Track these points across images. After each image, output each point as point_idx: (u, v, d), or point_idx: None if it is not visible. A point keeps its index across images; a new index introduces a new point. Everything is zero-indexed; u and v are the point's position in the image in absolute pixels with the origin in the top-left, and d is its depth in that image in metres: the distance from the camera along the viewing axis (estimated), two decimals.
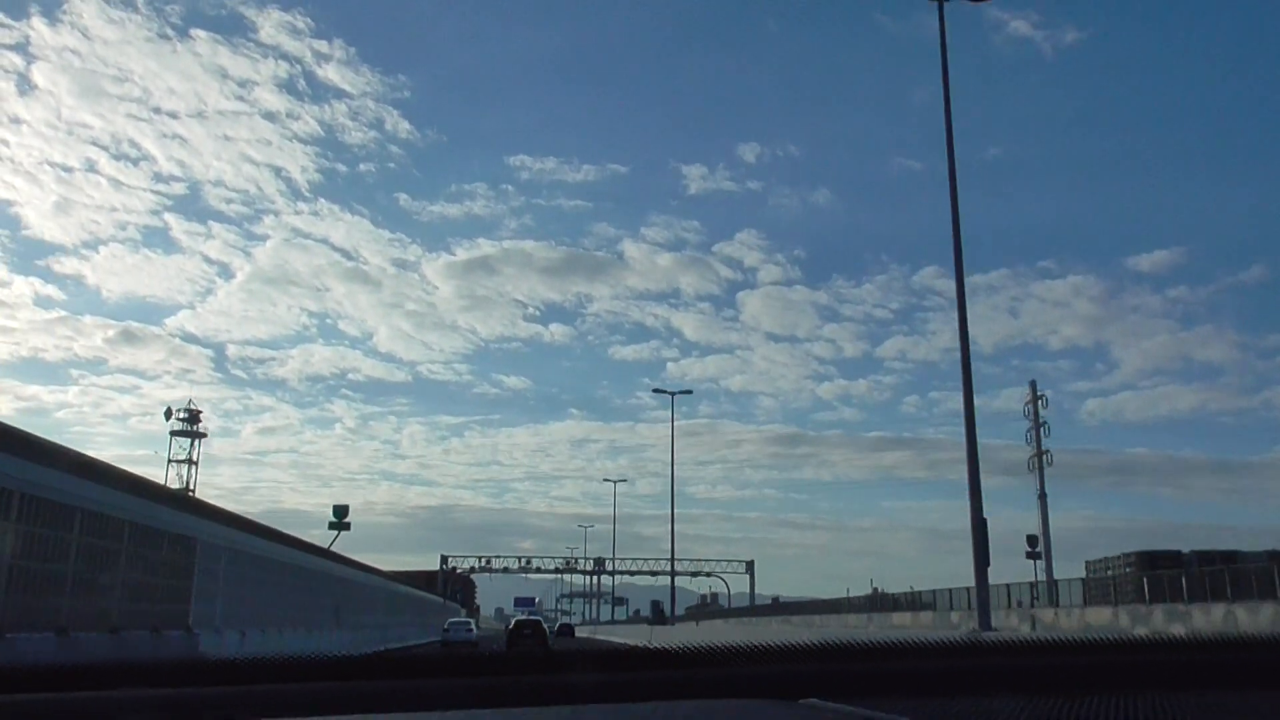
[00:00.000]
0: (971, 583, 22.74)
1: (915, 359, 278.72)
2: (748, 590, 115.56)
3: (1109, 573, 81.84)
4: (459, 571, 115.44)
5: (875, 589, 78.09)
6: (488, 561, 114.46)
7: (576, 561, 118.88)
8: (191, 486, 71.54)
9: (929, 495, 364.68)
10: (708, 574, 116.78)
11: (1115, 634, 1.85)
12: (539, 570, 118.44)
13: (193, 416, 74.49)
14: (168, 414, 72.96)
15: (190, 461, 73.37)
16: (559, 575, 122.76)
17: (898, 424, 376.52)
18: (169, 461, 73.04)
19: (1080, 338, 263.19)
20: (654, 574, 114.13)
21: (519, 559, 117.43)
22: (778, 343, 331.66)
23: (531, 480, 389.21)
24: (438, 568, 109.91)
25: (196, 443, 74.15)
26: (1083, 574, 67.61)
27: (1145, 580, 35.69)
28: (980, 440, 22.76)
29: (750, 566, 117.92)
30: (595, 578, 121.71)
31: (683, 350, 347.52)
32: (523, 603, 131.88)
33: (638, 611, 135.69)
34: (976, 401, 23.06)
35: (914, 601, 50.12)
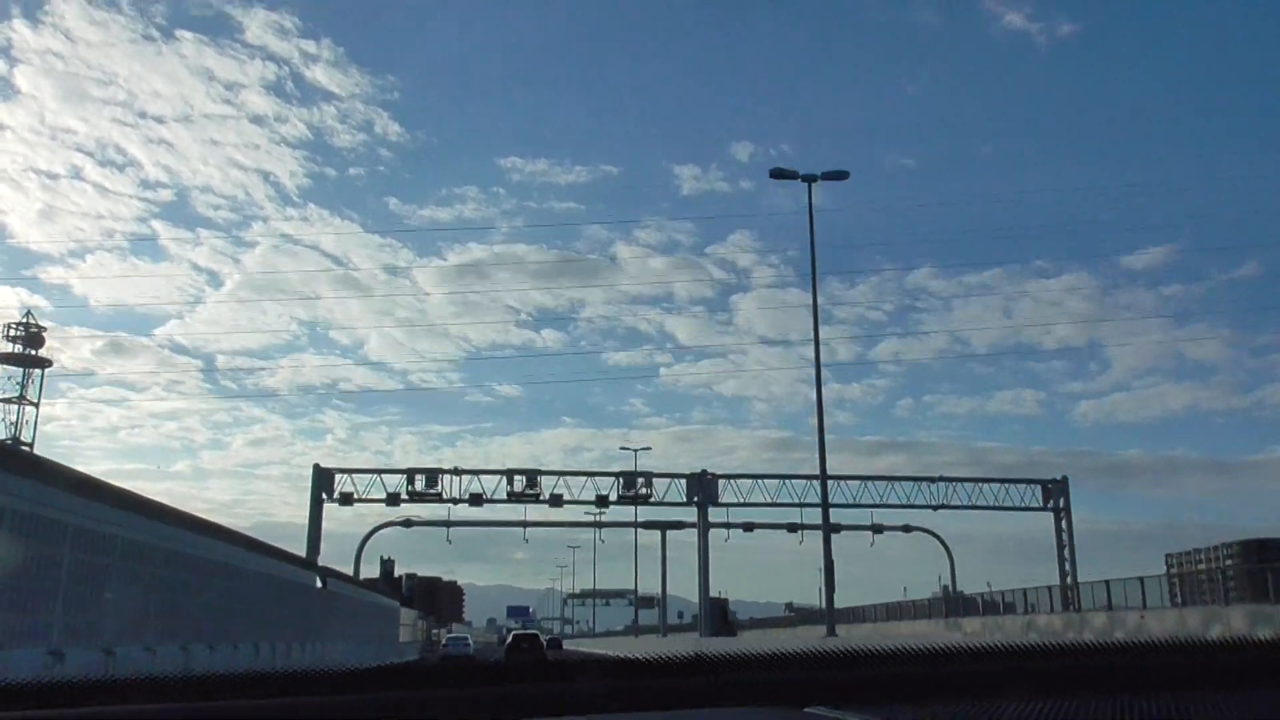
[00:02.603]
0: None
1: (908, 360, 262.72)
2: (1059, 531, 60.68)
3: (1199, 566, 69.68)
4: (389, 569, 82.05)
5: (945, 588, 65.19)
6: (433, 483, 57.03)
7: (638, 484, 58.85)
8: (26, 437, 54.12)
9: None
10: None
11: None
12: (561, 501, 58.75)
13: (31, 337, 55.65)
14: None
15: (24, 400, 55.52)
16: (597, 518, 66.76)
17: (891, 428, 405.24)
18: None
19: (1073, 337, 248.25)
20: (829, 529, 49.07)
21: (507, 476, 58.25)
22: (771, 346, 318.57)
23: None
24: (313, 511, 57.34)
25: (36, 374, 55.42)
26: (1161, 570, 56.51)
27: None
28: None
29: (1061, 490, 61.85)
30: (699, 513, 59.50)
31: (676, 355, 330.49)
32: (516, 612, 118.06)
33: (680, 615, 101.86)
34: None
35: (993, 605, 44.26)
